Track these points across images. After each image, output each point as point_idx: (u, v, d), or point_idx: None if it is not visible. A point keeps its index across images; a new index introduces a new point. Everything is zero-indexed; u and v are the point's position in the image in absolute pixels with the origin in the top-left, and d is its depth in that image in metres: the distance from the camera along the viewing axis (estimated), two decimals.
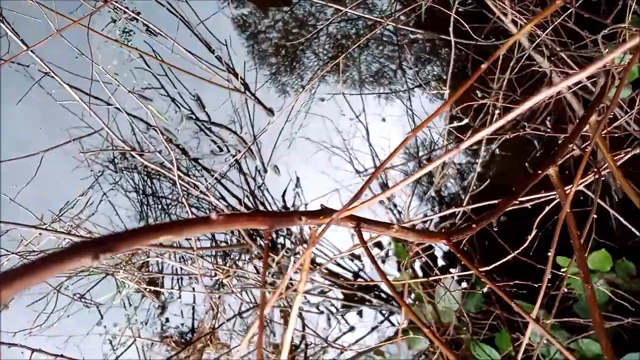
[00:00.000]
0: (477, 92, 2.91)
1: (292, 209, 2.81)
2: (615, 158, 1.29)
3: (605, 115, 1.16)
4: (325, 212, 0.58)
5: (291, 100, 2.85)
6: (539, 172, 1.05)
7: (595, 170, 1.35)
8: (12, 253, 1.84)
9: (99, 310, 2.40)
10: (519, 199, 1.07)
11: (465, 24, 2.36)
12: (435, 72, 3.02)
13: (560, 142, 1.89)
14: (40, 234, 1.96)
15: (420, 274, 2.95)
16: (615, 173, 1.23)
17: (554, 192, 1.40)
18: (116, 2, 2.24)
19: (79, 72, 2.42)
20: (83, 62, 2.49)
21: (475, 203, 2.88)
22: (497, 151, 3.02)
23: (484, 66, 0.58)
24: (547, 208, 1.36)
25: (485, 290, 2.53)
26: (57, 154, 2.40)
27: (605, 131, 1.57)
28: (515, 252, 1.40)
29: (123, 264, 2.28)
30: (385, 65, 3.00)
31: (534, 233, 1.45)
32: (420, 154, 3.04)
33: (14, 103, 2.52)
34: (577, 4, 2.04)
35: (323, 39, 2.93)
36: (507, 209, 1.08)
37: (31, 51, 1.59)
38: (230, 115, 2.75)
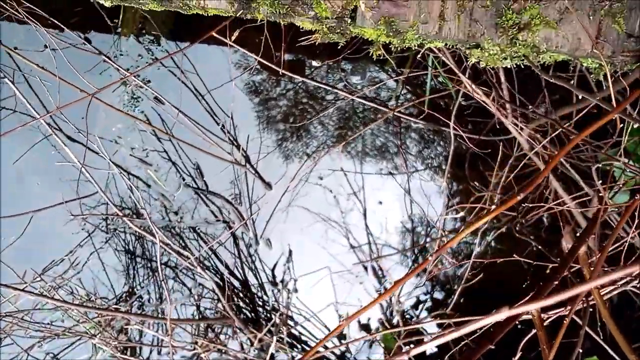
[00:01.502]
0: (475, 184, 2.92)
1: (280, 283, 2.77)
2: (602, 293, 1.27)
3: (597, 254, 1.15)
4: None
5: (293, 169, 2.87)
6: (517, 313, 1.03)
7: (584, 300, 1.32)
8: None
9: None
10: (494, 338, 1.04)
11: (466, 119, 2.41)
12: (436, 156, 3.05)
13: (548, 272, 1.88)
14: (17, 294, 1.93)
15: None
16: (602, 311, 1.21)
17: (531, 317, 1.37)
18: (128, 71, 2.32)
19: (84, 128, 2.46)
20: (90, 120, 2.54)
21: (468, 293, 2.84)
22: (493, 243, 2.99)
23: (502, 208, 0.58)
24: (528, 336, 1.33)
25: None
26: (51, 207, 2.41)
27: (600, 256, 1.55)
28: None
29: (102, 328, 2.23)
30: (388, 140, 3.04)
31: (518, 355, 1.42)
32: (419, 230, 3.02)
33: (17, 146, 2.55)
34: (576, 118, 2.08)
35: (331, 111, 2.99)
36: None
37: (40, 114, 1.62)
38: (229, 184, 2.77)
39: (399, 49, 1.65)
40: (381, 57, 1.69)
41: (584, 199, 2.35)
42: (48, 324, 2.23)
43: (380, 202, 2.92)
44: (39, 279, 2.17)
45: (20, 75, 2.41)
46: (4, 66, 2.34)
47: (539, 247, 2.81)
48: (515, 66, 1.80)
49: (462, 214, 2.77)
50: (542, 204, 2.64)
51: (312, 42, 1.60)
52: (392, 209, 3.00)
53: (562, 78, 1.78)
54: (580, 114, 2.20)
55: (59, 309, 2.21)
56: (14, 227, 2.32)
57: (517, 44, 1.58)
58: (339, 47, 1.66)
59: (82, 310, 2.14)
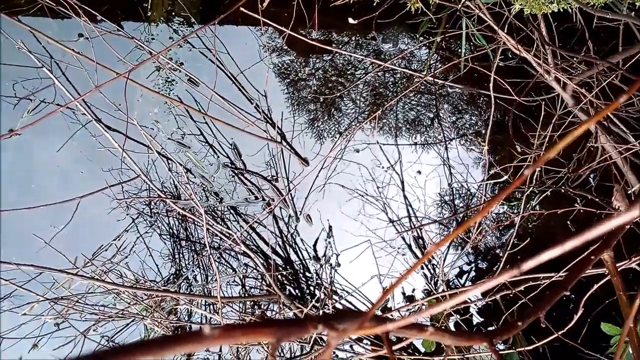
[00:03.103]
0: (518, 147, 2.83)
1: (322, 259, 2.76)
2: None
3: None
4: (346, 315, 0.54)
5: (327, 148, 2.85)
6: (592, 257, 0.98)
7: None
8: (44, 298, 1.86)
9: None
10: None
11: (504, 81, 2.32)
12: (473, 124, 2.97)
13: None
14: (72, 278, 1.98)
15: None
16: None
17: (602, 270, 1.32)
18: (160, 53, 2.32)
19: (122, 117, 2.50)
20: (127, 106, 2.57)
21: (514, 260, 2.76)
22: (538, 207, 2.90)
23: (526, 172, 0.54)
24: (595, 287, 1.27)
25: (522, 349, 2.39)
26: (96, 195, 2.46)
27: None
28: (560, 333, 1.31)
29: (152, 309, 2.28)
30: (422, 113, 2.98)
31: (580, 312, 1.36)
32: (458, 202, 2.96)
33: (60, 142, 2.61)
34: (625, 66, 1.98)
35: (361, 87, 2.95)
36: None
37: (80, 101, 1.64)
38: (266, 162, 2.77)
39: (437, 2, 1.59)
40: (418, 13, 1.63)
41: (634, 151, 2.25)
42: (102, 307, 2.29)
43: (419, 172, 2.87)
44: (89, 264, 2.22)
45: (56, 66, 2.46)
46: (42, 55, 2.39)
47: (588, 209, 2.71)
48: (561, 10, 1.71)
49: (505, 177, 2.69)
50: (589, 164, 2.54)
51: (346, 1, 1.56)
52: (430, 180, 2.95)
53: (610, 18, 1.68)
54: (628, 64, 2.09)
55: (111, 293, 2.27)
56: (61, 216, 2.38)
57: None
58: (374, 4, 1.61)
59: (133, 292, 2.19)
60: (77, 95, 2.20)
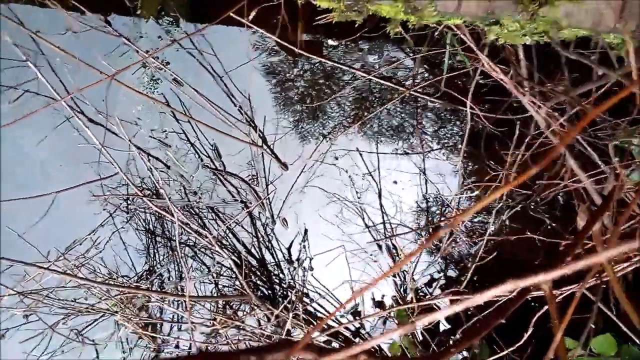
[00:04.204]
0: (491, 163, 2.92)
1: (296, 262, 2.81)
2: (615, 270, 1.28)
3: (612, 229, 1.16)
4: (277, 347, 0.59)
5: (309, 149, 2.89)
6: (527, 288, 1.05)
7: (597, 276, 1.34)
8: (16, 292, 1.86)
9: (96, 349, 2.40)
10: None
11: (484, 98, 2.39)
12: (452, 134, 3.04)
13: (561, 249, 1.88)
14: (42, 272, 1.98)
15: (420, 338, 2.90)
16: (614, 287, 1.22)
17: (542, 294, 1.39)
18: (147, 52, 2.33)
19: (104, 110, 2.50)
20: (111, 102, 2.57)
21: (482, 271, 2.85)
22: (507, 222, 3.00)
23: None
24: (540, 312, 1.35)
25: None
26: (74, 189, 2.46)
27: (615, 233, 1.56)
28: (510, 350, 1.39)
29: (123, 305, 2.29)
30: (404, 120, 3.03)
31: (530, 331, 1.44)
32: (434, 210, 3.03)
33: (41, 133, 2.59)
34: (595, 95, 2.06)
35: (347, 91, 2.99)
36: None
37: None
38: (246, 163, 2.80)
39: (416, 27, 1.64)
40: (399, 36, 1.68)
41: (600, 177, 2.34)
42: (72, 301, 2.30)
43: (395, 182, 2.93)
44: (62, 258, 2.22)
45: (42, 58, 2.44)
46: (27, 49, 2.37)
47: (553, 225, 2.81)
48: (534, 43, 1.78)
49: (477, 192, 2.77)
50: (557, 182, 2.63)
51: (329, 20, 1.60)
52: (407, 188, 3.01)
53: (582, 55, 1.76)
54: (600, 91, 2.18)
55: (82, 287, 2.28)
56: (37, 208, 2.37)
57: (537, 20, 1.56)
58: (356, 26, 1.66)
59: (105, 288, 2.20)
60: (62, 88, 2.20)
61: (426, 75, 2.88)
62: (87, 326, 2.42)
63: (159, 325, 2.48)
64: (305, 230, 2.91)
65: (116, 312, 2.26)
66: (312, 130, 2.98)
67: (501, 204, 2.77)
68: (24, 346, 2.25)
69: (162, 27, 2.69)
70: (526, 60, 2.23)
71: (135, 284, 2.37)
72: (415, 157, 3.00)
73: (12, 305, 2.17)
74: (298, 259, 2.80)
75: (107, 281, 2.24)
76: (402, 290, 2.90)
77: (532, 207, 2.84)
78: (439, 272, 3.04)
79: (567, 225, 2.82)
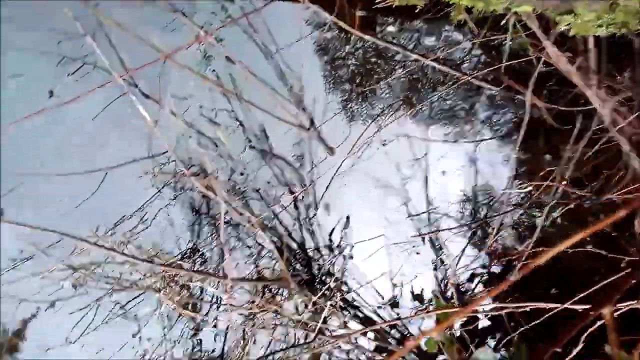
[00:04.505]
0: (547, 156, 2.78)
1: (336, 249, 2.78)
2: None
3: None
4: None
5: (356, 131, 2.84)
6: (591, 312, 0.97)
7: None
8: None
9: (138, 324, 2.46)
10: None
11: (546, 86, 2.26)
12: (507, 122, 2.90)
13: (623, 266, 1.77)
14: (89, 248, 2.03)
15: (458, 333, 2.83)
16: None
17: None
18: (202, 28, 2.32)
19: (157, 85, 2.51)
20: (164, 78, 2.59)
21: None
22: (559, 220, 2.86)
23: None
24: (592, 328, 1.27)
25: None
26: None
27: None
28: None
29: (165, 283, 2.33)
30: (457, 104, 2.92)
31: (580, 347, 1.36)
32: (481, 201, 2.93)
33: (94, 106, 2.62)
34: None
35: (400, 72, 2.89)
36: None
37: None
38: (292, 147, 2.77)
39: (482, 13, 1.54)
40: (461, 22, 1.58)
41: None
42: (117, 277, 2.35)
43: (444, 172, 2.84)
44: (110, 233, 2.27)
45: (101, 33, 2.46)
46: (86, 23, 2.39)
47: (610, 232, 2.66)
48: (608, 34, 1.65)
49: (529, 189, 2.65)
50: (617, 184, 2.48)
51: (389, 4, 1.52)
52: (455, 178, 2.92)
53: None
54: None
55: (127, 264, 2.32)
56: (89, 183, 2.42)
57: (617, 10, 1.43)
58: (416, 11, 1.57)
59: (149, 266, 2.23)
60: (119, 63, 2.22)
61: (485, 60, 2.74)
62: (130, 301, 2.48)
63: (198, 305, 2.52)
64: (347, 217, 2.87)
65: (159, 289, 2.30)
66: (360, 112, 2.91)
67: (554, 200, 2.63)
68: (72, 318, 2.33)
69: (218, 2, 2.66)
70: (595, 51, 2.08)
71: (178, 262, 2.40)
72: (466, 145, 2.89)
73: (62, 277, 2.24)
74: (339, 246, 2.76)
75: (151, 259, 2.28)
76: (442, 285, 2.83)
77: (586, 206, 2.69)
78: (482, 268, 2.95)
79: (624, 228, 2.66)
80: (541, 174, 2.55)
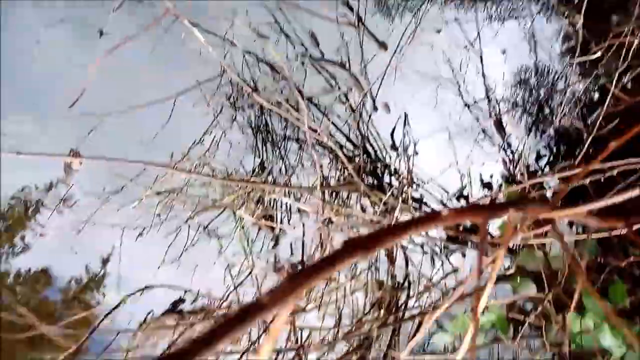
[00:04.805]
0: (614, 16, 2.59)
1: (400, 148, 2.78)
2: None
3: None
4: (531, 203, 0.56)
5: (398, 27, 2.76)
6: None
7: None
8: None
9: (220, 243, 2.62)
10: None
11: None
12: None
13: None
14: (171, 173, 2.14)
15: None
16: None
17: None
18: None
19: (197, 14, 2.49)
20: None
21: (599, 143, 2.67)
22: (629, 85, 2.71)
23: None
24: None
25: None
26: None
27: None
28: None
29: (243, 199, 2.44)
30: None
31: None
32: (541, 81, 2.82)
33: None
34: None
35: None
36: None
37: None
38: (338, 49, 2.72)
39: None
40: None
41: None
42: (198, 200, 2.49)
43: (504, 52, 2.73)
44: (186, 158, 2.38)
45: None
46: None
47: None
48: None
49: (598, 54, 2.50)
50: None
51: None
52: (509, 58, 2.81)
53: None
54: None
55: (205, 185, 2.44)
56: (153, 115, 2.50)
57: None
58: None
59: (225, 184, 2.34)
60: None
61: None
62: (211, 222, 2.63)
63: (275, 216, 2.64)
64: (405, 115, 2.84)
65: (237, 206, 2.42)
66: (397, 4, 2.80)
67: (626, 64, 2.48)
68: (165, 241, 2.51)
69: None
70: None
71: (251, 178, 2.50)
72: (520, 21, 2.75)
73: (150, 204, 2.40)
74: (401, 144, 2.77)
75: (226, 177, 2.38)
76: (511, 168, 2.81)
77: None
78: (546, 148, 2.89)
79: None
80: (610, 37, 2.39)
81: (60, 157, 2.57)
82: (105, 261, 2.72)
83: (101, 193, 2.60)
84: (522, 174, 2.67)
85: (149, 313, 2.46)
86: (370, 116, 2.83)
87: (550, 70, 2.84)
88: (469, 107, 2.87)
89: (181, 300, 2.45)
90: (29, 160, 2.54)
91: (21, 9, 2.82)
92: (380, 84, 2.77)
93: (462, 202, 2.94)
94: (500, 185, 2.78)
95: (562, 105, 2.79)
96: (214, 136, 2.55)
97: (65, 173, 2.88)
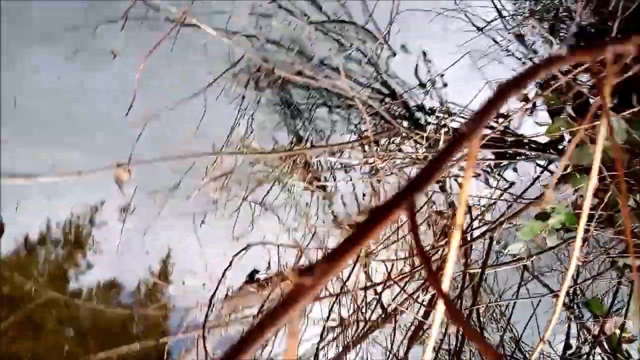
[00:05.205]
0: None
1: (428, 83, 2.81)
2: None
3: None
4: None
5: None
6: None
7: None
8: None
9: (277, 216, 2.72)
10: None
11: None
12: None
13: None
14: (220, 159, 2.23)
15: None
16: None
17: None
18: None
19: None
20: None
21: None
22: None
23: None
24: None
25: None
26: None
27: None
28: None
29: (290, 168, 2.52)
30: None
31: None
32: None
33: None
34: None
35: None
36: None
37: None
38: (339, 8, 2.75)
39: None
40: None
41: None
42: (249, 177, 2.58)
43: None
44: (229, 144, 2.47)
45: None
46: None
47: None
48: None
49: None
50: None
51: None
52: None
53: None
54: None
55: (252, 164, 2.54)
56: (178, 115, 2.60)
57: None
58: None
59: (271, 158, 2.42)
60: None
61: None
62: (265, 196, 2.73)
63: (324, 177, 2.72)
64: (424, 52, 2.86)
65: (287, 176, 2.50)
66: None
67: None
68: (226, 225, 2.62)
69: None
70: None
71: (295, 148, 2.58)
72: None
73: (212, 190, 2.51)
74: (429, 80, 2.79)
75: (270, 152, 2.46)
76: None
77: None
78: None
79: None
80: None
81: (110, 172, 2.69)
82: (166, 258, 2.87)
83: (156, 196, 2.73)
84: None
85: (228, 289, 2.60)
86: (388, 62, 2.85)
87: None
88: (482, 30, 2.86)
89: (256, 271, 2.57)
90: (80, 182, 2.69)
91: (29, 49, 2.91)
92: (389, 27, 2.79)
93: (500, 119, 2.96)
94: (536, 93, 2.77)
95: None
96: (248, 119, 2.62)
97: (118, 186, 3.01)
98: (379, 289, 2.20)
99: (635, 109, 1.80)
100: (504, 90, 0.46)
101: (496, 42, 2.87)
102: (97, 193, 2.94)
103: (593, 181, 0.73)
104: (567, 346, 2.19)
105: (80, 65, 2.85)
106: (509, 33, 2.81)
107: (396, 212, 0.43)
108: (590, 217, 2.08)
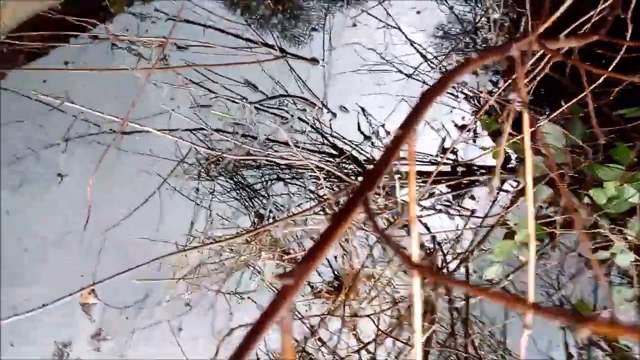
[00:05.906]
0: None
1: (372, 135, 2.88)
2: None
3: None
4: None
5: (316, 40, 2.92)
6: None
7: None
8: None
9: (253, 300, 2.63)
10: None
11: None
12: None
13: None
14: (186, 255, 2.18)
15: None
16: None
17: None
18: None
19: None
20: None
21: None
22: None
23: None
24: None
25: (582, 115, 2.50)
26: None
27: None
28: None
29: (256, 249, 2.48)
30: None
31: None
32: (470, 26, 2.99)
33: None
34: None
35: None
36: None
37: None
38: (274, 85, 2.86)
39: None
40: None
41: None
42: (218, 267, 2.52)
43: (419, 12, 2.90)
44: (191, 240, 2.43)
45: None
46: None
47: None
48: None
49: None
50: None
51: None
52: (426, 19, 2.99)
53: None
54: None
55: (222, 251, 2.49)
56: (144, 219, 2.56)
57: None
58: None
59: (239, 240, 2.39)
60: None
61: None
62: (238, 285, 2.65)
63: (293, 251, 2.69)
64: (362, 108, 2.96)
65: (259, 255, 2.46)
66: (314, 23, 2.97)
67: None
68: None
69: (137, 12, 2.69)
70: None
71: (257, 227, 2.55)
72: None
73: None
74: (372, 133, 2.87)
75: (236, 235, 2.43)
76: (475, 101, 2.93)
77: None
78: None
79: None
80: None
81: (75, 296, 2.57)
82: None
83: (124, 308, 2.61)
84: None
85: None
86: (331, 124, 2.94)
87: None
88: (410, 76, 3.01)
89: None
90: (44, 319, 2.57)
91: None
92: (325, 92, 2.90)
93: (449, 154, 3.04)
94: (475, 122, 2.89)
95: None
96: (206, 210, 2.61)
97: (85, 312, 2.88)
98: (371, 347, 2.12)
99: (565, 112, 1.89)
100: (427, 96, 0.52)
101: (425, 83, 3.01)
102: (64, 328, 2.81)
103: (530, 187, 0.75)
104: (569, 356, 2.14)
105: (29, 194, 2.81)
106: (434, 72, 2.96)
107: (356, 209, 0.51)
108: (553, 222, 2.11)
